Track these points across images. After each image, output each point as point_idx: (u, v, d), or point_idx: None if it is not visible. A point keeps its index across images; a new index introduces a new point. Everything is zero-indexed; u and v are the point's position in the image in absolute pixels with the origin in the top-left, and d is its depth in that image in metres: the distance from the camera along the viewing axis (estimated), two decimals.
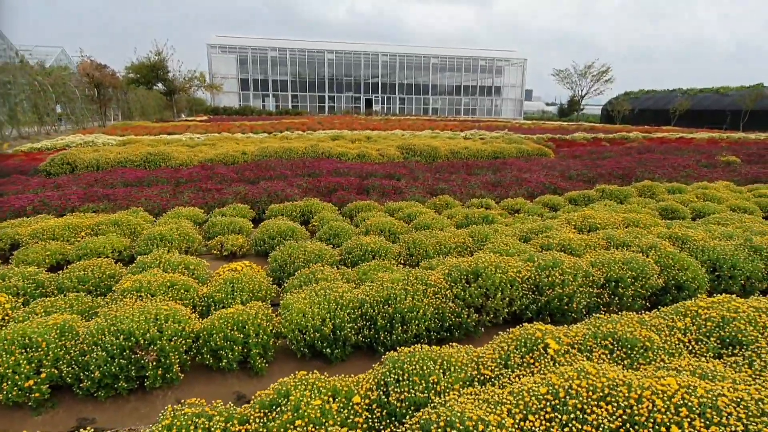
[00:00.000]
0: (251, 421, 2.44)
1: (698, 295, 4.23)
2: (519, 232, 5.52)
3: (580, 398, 2.21)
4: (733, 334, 2.92)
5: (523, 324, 3.09)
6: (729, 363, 2.73)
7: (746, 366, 2.65)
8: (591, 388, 2.24)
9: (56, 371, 3.04)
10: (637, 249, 4.70)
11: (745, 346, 2.88)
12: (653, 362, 2.76)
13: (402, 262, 5.01)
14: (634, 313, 3.50)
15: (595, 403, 2.19)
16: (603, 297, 4.08)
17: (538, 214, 7.14)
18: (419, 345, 2.90)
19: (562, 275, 4.00)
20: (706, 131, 28.28)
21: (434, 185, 9.14)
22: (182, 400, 3.34)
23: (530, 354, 2.79)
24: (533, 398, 2.26)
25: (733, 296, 3.34)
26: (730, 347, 2.92)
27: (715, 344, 2.94)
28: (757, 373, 2.56)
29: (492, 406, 2.27)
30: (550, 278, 3.98)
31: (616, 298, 4.08)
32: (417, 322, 3.60)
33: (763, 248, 4.75)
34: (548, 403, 2.24)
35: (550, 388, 2.27)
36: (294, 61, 61.77)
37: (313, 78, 63.11)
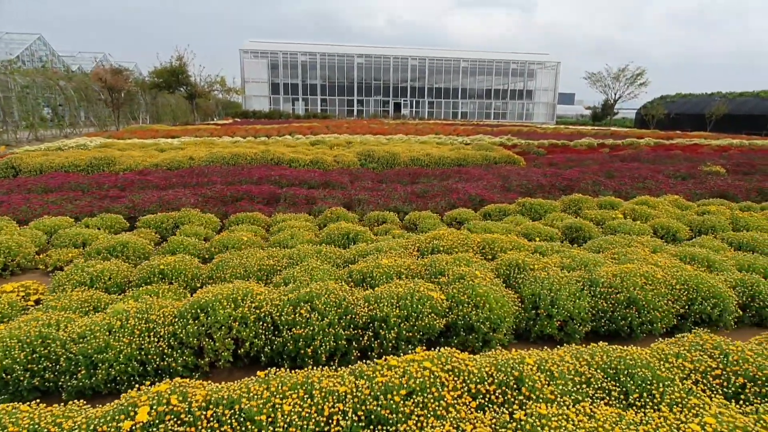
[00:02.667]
0: None
1: (496, 338, 3.54)
2: (349, 255, 4.87)
3: None
4: (379, 416, 2.23)
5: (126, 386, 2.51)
6: None
7: None
8: None
9: None
10: (451, 278, 3.99)
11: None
12: None
13: (199, 285, 4.46)
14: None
15: None
16: (362, 340, 3.41)
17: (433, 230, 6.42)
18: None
19: (311, 311, 3.37)
20: (731, 137, 26.17)
21: (354, 195, 8.53)
22: None
23: (107, 426, 2.21)
24: None
25: (455, 350, 2.64)
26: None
27: (359, 426, 2.25)
28: None
29: None
30: (291, 316, 3.35)
31: (377, 342, 3.40)
32: (107, 364, 3.07)
33: (600, 282, 3.93)
34: None
35: None
36: (324, 65, 61.95)
37: (342, 82, 63.11)
